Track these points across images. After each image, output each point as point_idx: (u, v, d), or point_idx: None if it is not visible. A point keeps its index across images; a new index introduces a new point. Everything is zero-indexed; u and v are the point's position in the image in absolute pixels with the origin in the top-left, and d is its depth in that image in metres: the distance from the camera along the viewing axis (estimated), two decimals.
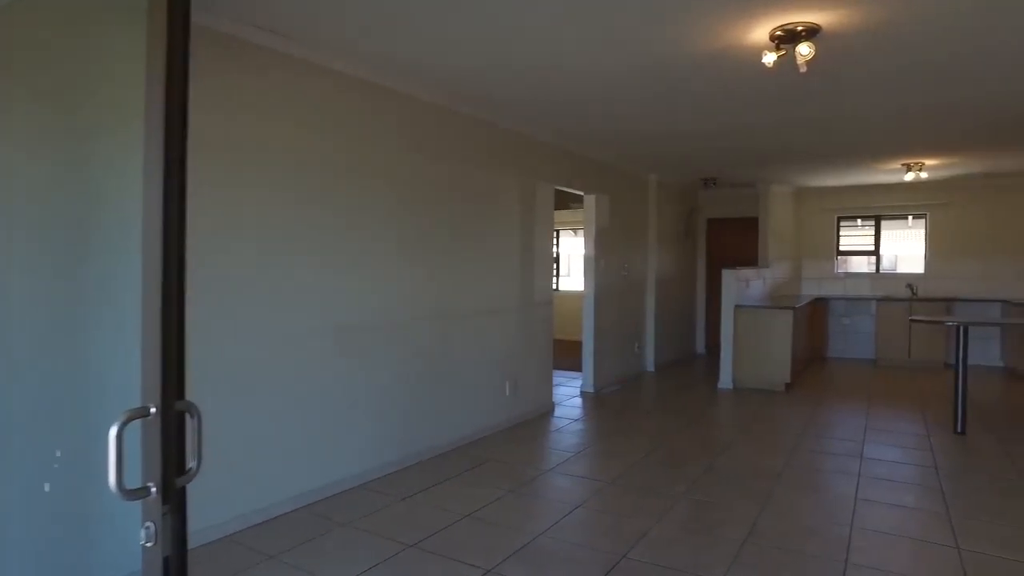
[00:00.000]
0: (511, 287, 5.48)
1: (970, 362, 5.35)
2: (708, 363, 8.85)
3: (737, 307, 7.13)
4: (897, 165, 7.37)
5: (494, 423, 5.25)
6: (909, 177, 7.58)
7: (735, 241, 9.68)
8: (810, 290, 9.68)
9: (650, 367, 8.21)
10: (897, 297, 8.83)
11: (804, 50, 3.16)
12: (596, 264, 6.85)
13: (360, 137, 3.96)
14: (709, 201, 9.90)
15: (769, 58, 3.29)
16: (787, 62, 3.41)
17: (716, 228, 9.99)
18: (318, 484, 3.71)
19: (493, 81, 4.19)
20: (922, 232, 9.14)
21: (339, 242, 3.84)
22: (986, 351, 8.36)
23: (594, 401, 6.48)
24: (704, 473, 4.23)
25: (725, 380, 7.12)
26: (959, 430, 5.19)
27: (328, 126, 3.74)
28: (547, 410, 5.99)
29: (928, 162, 7.16)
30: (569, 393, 6.82)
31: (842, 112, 4.96)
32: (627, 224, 7.62)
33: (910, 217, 9.23)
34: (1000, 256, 8.58)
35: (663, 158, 7.11)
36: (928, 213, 9.02)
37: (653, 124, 5.41)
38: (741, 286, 7.37)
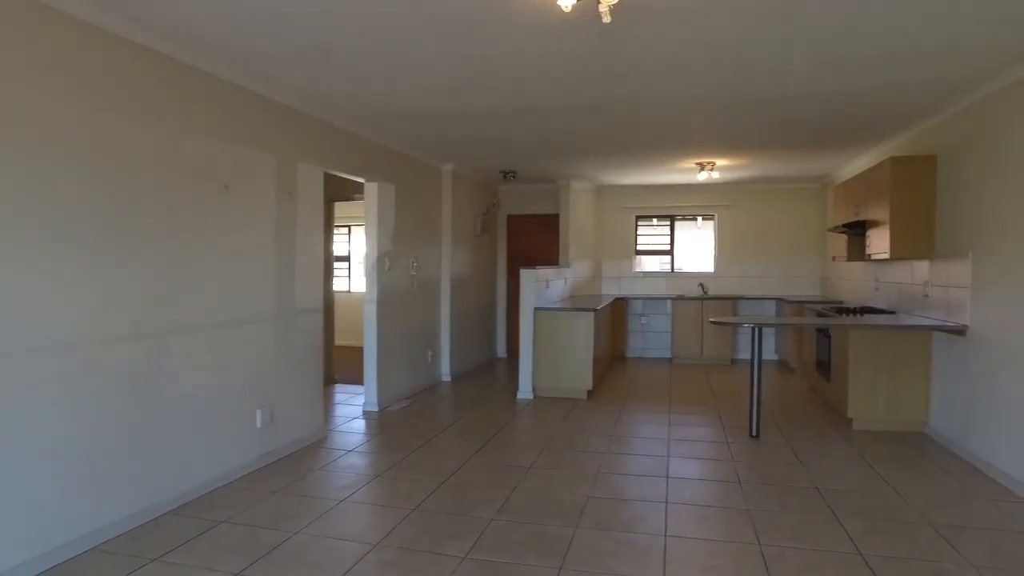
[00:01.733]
0: (264, 291, 4.34)
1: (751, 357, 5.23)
2: (509, 368, 8.30)
3: (537, 309, 6.57)
4: (692, 164, 7.31)
5: (241, 464, 4.09)
6: (702, 177, 7.59)
7: (536, 239, 9.25)
8: (610, 289, 9.55)
9: (446, 376, 7.43)
10: (690, 296, 8.96)
11: None
12: (380, 263, 5.89)
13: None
14: (510, 196, 9.36)
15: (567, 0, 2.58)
16: (589, 11, 2.75)
17: (517, 225, 9.47)
18: None
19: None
20: (711, 233, 9.39)
21: None
22: (764, 346, 8.72)
23: (377, 423, 5.52)
24: (496, 517, 3.47)
25: (525, 389, 6.53)
26: (754, 433, 5.12)
27: None
28: (318, 439, 4.92)
29: (720, 162, 7.17)
30: (350, 414, 5.79)
31: (638, 97, 4.50)
32: (418, 218, 6.75)
33: (699, 218, 9.44)
34: (774, 256, 9.10)
35: (455, 145, 6.32)
36: (716, 214, 9.28)
37: (428, 96, 4.51)
38: (541, 287, 6.84)
